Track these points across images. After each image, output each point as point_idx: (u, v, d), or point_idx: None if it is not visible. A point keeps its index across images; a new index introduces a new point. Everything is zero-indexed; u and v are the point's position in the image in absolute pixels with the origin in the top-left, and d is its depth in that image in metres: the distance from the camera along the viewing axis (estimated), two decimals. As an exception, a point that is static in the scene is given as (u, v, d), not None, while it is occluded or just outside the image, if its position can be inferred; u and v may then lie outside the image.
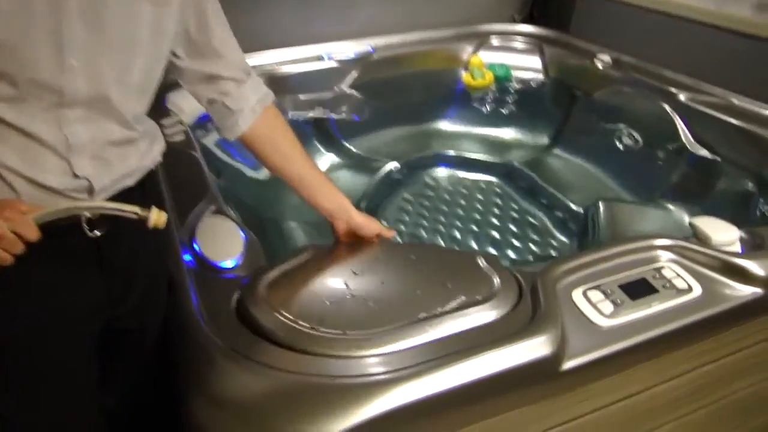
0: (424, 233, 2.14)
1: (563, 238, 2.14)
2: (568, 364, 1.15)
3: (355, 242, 1.45)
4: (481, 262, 1.32)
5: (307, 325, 1.13)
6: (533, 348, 1.12)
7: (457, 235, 2.12)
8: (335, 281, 1.27)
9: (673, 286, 1.28)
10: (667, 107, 2.20)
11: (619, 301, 1.24)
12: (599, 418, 1.27)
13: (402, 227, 2.16)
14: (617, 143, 2.35)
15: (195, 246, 1.38)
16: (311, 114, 2.43)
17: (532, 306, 1.21)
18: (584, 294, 1.26)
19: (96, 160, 1.07)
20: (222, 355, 1.10)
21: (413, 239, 2.10)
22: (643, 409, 1.33)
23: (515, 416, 1.17)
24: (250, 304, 1.20)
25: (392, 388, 1.04)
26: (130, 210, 1.04)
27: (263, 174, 2.19)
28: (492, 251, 2.08)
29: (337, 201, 1.43)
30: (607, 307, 1.23)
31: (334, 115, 2.48)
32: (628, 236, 1.77)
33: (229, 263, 1.34)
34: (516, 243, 2.12)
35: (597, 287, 1.27)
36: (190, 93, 1.30)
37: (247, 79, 1.31)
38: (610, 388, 1.24)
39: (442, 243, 2.08)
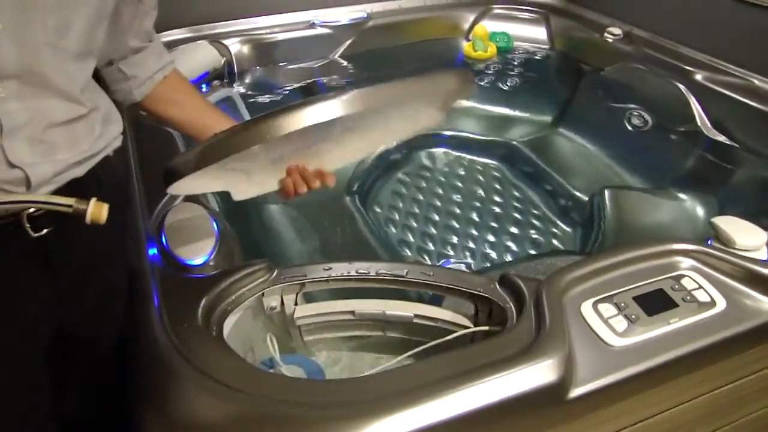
0: (416, 222, 2.00)
1: (566, 228, 2.00)
2: (576, 392, 1.01)
3: None
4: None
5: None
6: (537, 373, 0.99)
7: (454, 223, 1.98)
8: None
9: (694, 299, 1.14)
10: (681, 87, 2.05)
11: (633, 317, 1.10)
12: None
13: (395, 214, 2.02)
14: (626, 124, 2.20)
15: (163, 239, 1.24)
16: (299, 85, 2.27)
17: (536, 322, 1.08)
18: (595, 307, 1.12)
19: (36, 145, 0.91)
20: (183, 372, 0.97)
21: (405, 228, 1.96)
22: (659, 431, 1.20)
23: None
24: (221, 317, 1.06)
25: (374, 421, 0.91)
26: (63, 203, 0.89)
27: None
28: (490, 239, 1.94)
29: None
30: (621, 323, 1.09)
31: (323, 79, 2.32)
32: (643, 239, 1.65)
33: (198, 260, 1.20)
34: (515, 231, 1.98)
35: (609, 299, 1.14)
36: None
37: (149, 45, 1.18)
38: (621, 412, 1.11)
39: (435, 231, 1.94)
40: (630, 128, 2.18)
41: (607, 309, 1.12)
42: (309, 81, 2.28)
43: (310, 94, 2.29)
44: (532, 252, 1.90)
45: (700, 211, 1.89)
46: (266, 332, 1.27)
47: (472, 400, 0.95)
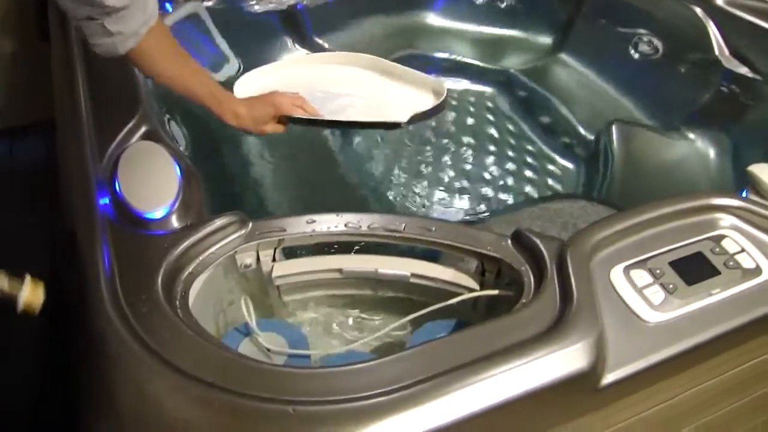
0: (404, 159, 1.80)
1: (568, 165, 1.83)
2: (609, 378, 0.86)
3: None
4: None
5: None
6: (566, 359, 0.83)
7: (447, 159, 1.80)
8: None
9: (737, 265, 0.99)
10: (698, 10, 1.83)
11: (671, 287, 0.95)
12: (637, 422, 1.00)
13: (381, 156, 1.82)
14: (633, 52, 1.99)
15: (116, 186, 1.04)
16: (276, 6, 2.02)
17: (560, 294, 0.91)
18: (626, 274, 0.96)
19: None
20: (140, 362, 0.80)
21: (390, 165, 1.77)
22: (688, 406, 1.06)
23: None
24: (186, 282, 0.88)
25: (373, 422, 0.75)
26: None
27: (225, 72, 1.82)
28: (486, 176, 1.77)
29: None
30: (657, 294, 0.94)
31: (305, 2, 2.07)
32: (656, 184, 1.48)
33: (157, 213, 1.01)
34: (513, 168, 1.81)
35: (642, 265, 0.98)
36: (61, 6, 1.00)
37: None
38: (653, 393, 0.96)
39: (425, 170, 1.74)
40: (637, 56, 1.98)
41: (641, 276, 0.96)
42: (290, 4, 2.03)
43: (289, 19, 2.05)
44: (531, 192, 1.73)
45: (713, 153, 1.72)
46: (239, 292, 1.10)
47: (489, 395, 0.80)
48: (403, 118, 1.40)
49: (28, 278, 0.74)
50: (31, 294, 0.73)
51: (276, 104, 1.29)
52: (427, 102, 1.50)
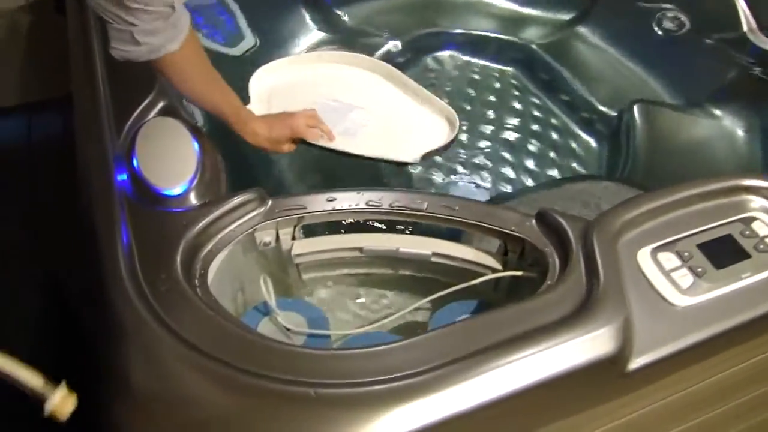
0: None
1: (591, 144, 1.80)
2: (636, 362, 0.84)
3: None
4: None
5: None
6: (592, 343, 0.82)
7: (463, 138, 1.76)
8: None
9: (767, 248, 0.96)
10: (725, -17, 1.78)
11: (700, 270, 0.92)
12: (660, 407, 0.99)
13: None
14: (656, 28, 1.95)
15: (134, 163, 1.03)
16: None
17: (586, 276, 0.89)
18: (654, 257, 0.94)
19: None
20: (161, 343, 0.79)
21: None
22: (712, 391, 1.04)
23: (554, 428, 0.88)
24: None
25: (395, 407, 0.74)
26: (24, 380, 0.71)
27: (241, 47, 1.80)
28: (507, 156, 1.74)
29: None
30: (685, 278, 0.91)
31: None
32: (680, 164, 1.45)
33: (176, 189, 1.00)
34: (533, 149, 1.78)
35: (670, 247, 0.95)
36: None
37: (171, 14, 0.97)
38: (678, 378, 0.94)
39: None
40: (661, 32, 1.94)
41: (669, 259, 0.94)
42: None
43: None
44: (553, 172, 1.70)
45: (740, 132, 1.68)
46: (258, 270, 1.09)
47: (514, 380, 0.78)
48: (417, 153, 1.43)
49: (63, 385, 0.72)
50: (61, 402, 0.72)
51: (293, 128, 1.30)
52: (439, 128, 1.53)
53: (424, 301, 1.05)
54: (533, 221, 1.02)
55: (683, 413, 1.06)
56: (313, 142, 1.36)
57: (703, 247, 0.95)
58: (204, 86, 1.15)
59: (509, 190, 1.65)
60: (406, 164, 1.45)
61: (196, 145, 1.06)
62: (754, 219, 1.00)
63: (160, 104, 1.14)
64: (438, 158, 1.69)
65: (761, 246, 0.96)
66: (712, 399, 1.08)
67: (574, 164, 1.75)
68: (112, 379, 0.78)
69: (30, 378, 0.72)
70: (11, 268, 1.69)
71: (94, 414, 0.79)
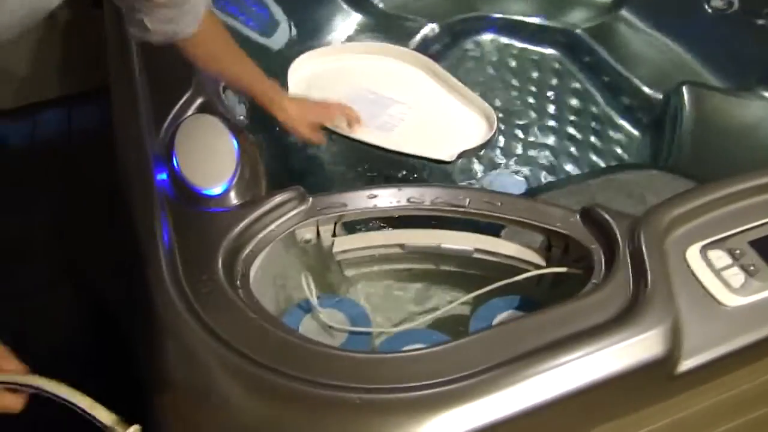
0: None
1: (634, 131, 1.75)
2: (686, 365, 0.82)
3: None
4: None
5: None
6: (640, 346, 0.80)
7: (504, 126, 1.73)
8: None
9: (823, 245, 0.93)
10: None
11: (752, 268, 0.89)
12: (708, 408, 0.96)
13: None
14: (705, 6, 1.88)
15: (174, 162, 1.03)
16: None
17: (633, 275, 0.87)
18: (703, 255, 0.91)
19: None
20: (204, 345, 0.79)
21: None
22: (763, 389, 1.01)
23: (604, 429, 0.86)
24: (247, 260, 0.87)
25: (442, 412, 0.73)
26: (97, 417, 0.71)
27: (279, 41, 1.79)
28: (549, 143, 1.71)
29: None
30: (737, 277, 0.89)
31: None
32: (729, 151, 1.41)
33: (216, 189, 1.00)
34: (576, 134, 1.74)
35: (720, 244, 0.93)
36: None
37: (185, 3, 0.95)
38: (730, 379, 0.92)
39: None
40: (710, 11, 1.88)
41: (719, 257, 0.91)
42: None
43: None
44: (596, 160, 1.67)
45: (792, 115, 1.63)
46: (299, 266, 1.09)
47: (562, 383, 0.77)
48: (453, 151, 1.44)
49: (136, 428, 0.72)
50: None
51: (325, 114, 1.33)
52: (478, 126, 1.54)
53: (466, 298, 1.04)
54: (578, 217, 1.00)
55: (732, 412, 1.03)
56: (349, 135, 1.35)
57: (756, 244, 0.92)
58: (229, 66, 1.15)
59: (551, 179, 1.62)
60: (441, 162, 1.44)
61: (234, 143, 1.05)
62: (808, 214, 0.96)
63: (199, 101, 1.14)
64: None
65: (816, 242, 0.93)
66: (761, 398, 1.05)
67: (618, 150, 1.71)
68: (155, 383, 0.79)
69: (105, 416, 0.72)
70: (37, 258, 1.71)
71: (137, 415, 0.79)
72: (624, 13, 2.04)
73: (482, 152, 1.57)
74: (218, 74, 1.17)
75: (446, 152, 1.43)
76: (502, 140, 1.71)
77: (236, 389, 0.75)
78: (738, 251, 0.91)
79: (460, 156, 1.43)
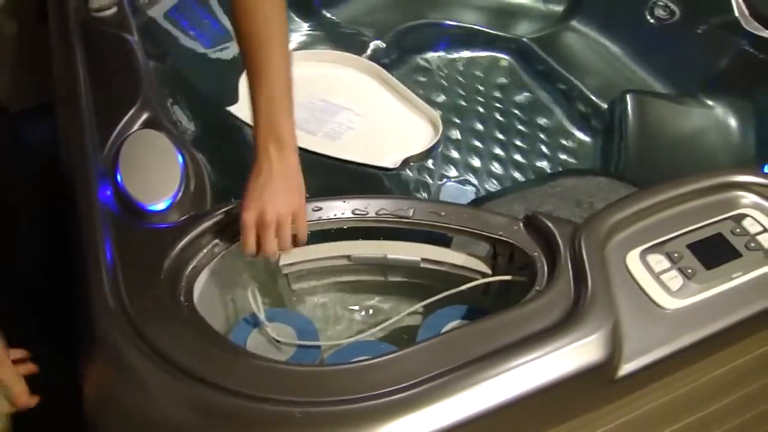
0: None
1: (583, 138, 1.78)
2: (626, 369, 0.84)
3: None
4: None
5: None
6: (580, 352, 0.81)
7: (455, 134, 1.75)
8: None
9: (759, 246, 0.96)
10: (717, -31, 1.76)
11: (690, 271, 0.91)
12: (648, 412, 0.98)
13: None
14: (648, 16, 1.93)
15: (118, 178, 1.02)
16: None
17: (574, 281, 0.89)
18: (643, 259, 0.93)
19: None
20: (146, 363, 0.78)
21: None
22: (699, 393, 1.03)
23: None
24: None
25: (383, 424, 0.73)
26: None
27: (229, 52, 1.78)
28: (497, 151, 1.72)
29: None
30: (675, 280, 0.91)
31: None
32: (673, 156, 1.44)
33: (160, 204, 0.99)
34: (523, 145, 1.76)
35: (659, 248, 0.94)
36: None
37: None
38: (669, 382, 0.94)
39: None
40: (653, 21, 1.92)
41: (658, 261, 0.93)
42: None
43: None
44: (544, 167, 1.69)
45: (734, 122, 1.67)
46: (248, 281, 1.08)
47: (503, 390, 0.78)
48: (397, 158, 1.45)
49: None
50: None
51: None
52: (424, 132, 1.55)
53: (414, 308, 1.04)
54: (521, 225, 1.01)
55: (671, 416, 1.05)
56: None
57: (693, 247, 0.95)
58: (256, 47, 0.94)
59: (500, 187, 1.64)
60: (385, 169, 1.45)
61: (180, 158, 1.05)
62: (744, 216, 0.99)
63: (145, 115, 1.13)
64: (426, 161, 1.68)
65: (752, 244, 0.95)
66: (699, 401, 1.07)
67: (567, 158, 1.73)
68: (96, 395, 0.78)
69: None
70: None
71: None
72: (574, 23, 2.08)
73: (428, 160, 1.58)
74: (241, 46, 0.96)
75: (390, 159, 1.44)
76: (452, 151, 1.72)
77: (175, 407, 0.75)
78: (677, 254, 0.93)
79: (404, 163, 1.44)
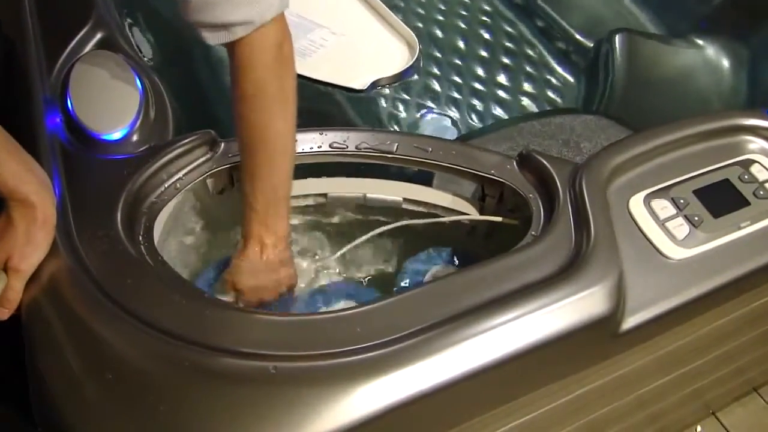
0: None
1: (568, 76, 1.69)
2: (630, 322, 0.77)
3: None
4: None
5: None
6: (583, 304, 0.74)
7: (434, 68, 1.64)
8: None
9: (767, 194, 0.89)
10: None
11: (696, 219, 0.85)
12: (652, 361, 0.92)
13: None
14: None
15: (68, 104, 0.91)
16: None
17: (575, 227, 0.81)
18: (647, 204, 0.86)
19: None
20: (99, 311, 0.69)
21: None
22: (705, 341, 0.99)
23: (544, 391, 0.81)
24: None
25: (368, 381, 0.65)
26: None
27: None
28: (479, 87, 1.63)
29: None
30: (681, 228, 0.84)
31: None
32: (662, 98, 1.37)
33: (116, 133, 0.89)
34: (506, 82, 1.66)
35: (664, 193, 0.87)
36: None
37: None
38: (673, 334, 0.88)
39: (411, 80, 1.60)
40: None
41: (663, 207, 0.86)
42: None
43: None
44: (528, 105, 1.60)
45: (726, 64, 1.59)
46: (213, 222, 0.99)
47: (498, 346, 0.71)
48: (367, 80, 1.35)
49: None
50: None
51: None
52: (399, 53, 1.46)
53: (376, 232, 0.96)
54: (515, 164, 0.93)
55: (672, 365, 1.00)
56: None
57: (700, 193, 0.88)
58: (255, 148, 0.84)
59: (482, 124, 1.55)
60: (353, 90, 1.35)
61: (138, 83, 0.94)
62: (752, 162, 0.92)
63: (98, 35, 1.02)
64: (406, 92, 1.58)
65: (761, 192, 0.89)
66: (700, 350, 1.02)
67: (551, 95, 1.64)
68: (46, 347, 0.69)
69: None
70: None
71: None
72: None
73: (398, 82, 1.47)
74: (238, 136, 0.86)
75: (360, 81, 1.35)
76: (433, 84, 1.62)
77: (132, 359, 0.66)
78: (682, 200, 0.86)
79: (373, 85, 1.35)
